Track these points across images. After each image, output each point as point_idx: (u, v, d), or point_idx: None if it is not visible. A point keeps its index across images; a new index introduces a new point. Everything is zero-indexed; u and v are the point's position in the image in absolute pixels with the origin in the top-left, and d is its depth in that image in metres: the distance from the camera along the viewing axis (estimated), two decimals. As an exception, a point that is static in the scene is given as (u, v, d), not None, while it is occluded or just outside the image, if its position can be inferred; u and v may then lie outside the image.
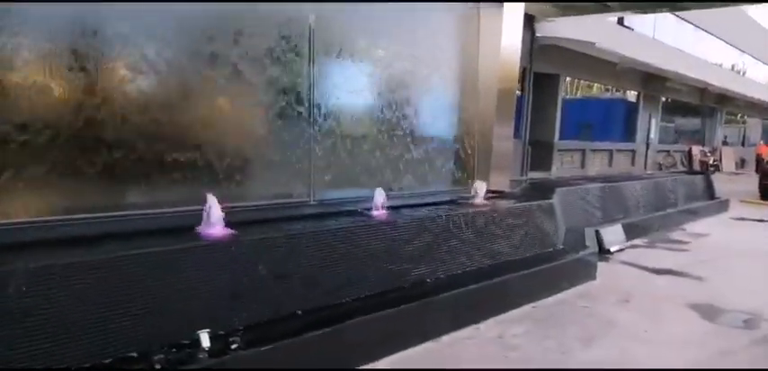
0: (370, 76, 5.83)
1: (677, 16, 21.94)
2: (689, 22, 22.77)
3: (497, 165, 7.08)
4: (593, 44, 15.86)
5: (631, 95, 23.69)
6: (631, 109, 23.40)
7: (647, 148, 23.39)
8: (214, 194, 4.15)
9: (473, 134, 7.00)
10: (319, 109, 5.33)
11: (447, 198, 6.33)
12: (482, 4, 7.06)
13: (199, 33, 4.44)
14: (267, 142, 4.99)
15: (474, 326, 4.92)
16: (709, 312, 5.73)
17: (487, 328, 4.94)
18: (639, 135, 23.18)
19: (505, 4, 7.05)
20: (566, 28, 15.31)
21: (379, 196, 5.26)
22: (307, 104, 5.23)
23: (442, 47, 6.67)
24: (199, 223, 4.04)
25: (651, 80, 22.35)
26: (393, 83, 6.08)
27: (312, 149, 5.34)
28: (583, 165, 19.26)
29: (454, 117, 6.87)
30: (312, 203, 5.40)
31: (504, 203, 6.31)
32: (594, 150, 20.11)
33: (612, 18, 18.12)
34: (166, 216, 4.26)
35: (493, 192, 6.69)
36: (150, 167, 4.22)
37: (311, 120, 5.29)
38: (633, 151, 22.75)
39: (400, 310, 4.34)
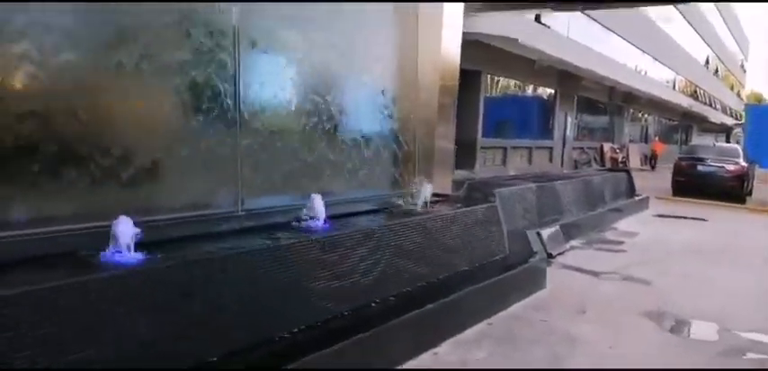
0: (301, 73, 5.11)
1: (587, 15, 22.45)
2: (597, 21, 23.43)
3: (440, 166, 6.56)
4: (516, 40, 15.84)
5: (543, 94, 24.12)
6: (547, 107, 23.85)
7: (564, 145, 23.91)
8: (122, 207, 3.36)
9: (414, 134, 6.42)
10: (246, 107, 4.58)
11: (389, 204, 5.72)
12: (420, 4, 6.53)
13: (102, 19, 3.58)
14: (187, 145, 4.18)
15: (432, 351, 4.34)
16: (666, 321, 5.45)
17: (447, 352, 4.37)
18: (556, 132, 23.65)
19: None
20: (487, 23, 15.14)
21: (318, 204, 4.56)
22: (232, 102, 4.46)
23: (379, 43, 6.05)
24: (104, 244, 3.22)
25: (567, 78, 22.85)
26: (327, 81, 5.38)
27: (239, 152, 4.58)
28: (504, 162, 19.34)
29: (393, 116, 6.25)
30: (240, 213, 4.63)
31: (450, 209, 5.77)
32: (515, 148, 20.27)
33: (530, 15, 18.19)
34: (62, 236, 3.38)
35: (437, 195, 6.14)
36: (42, 175, 3.34)
37: (237, 119, 4.53)
38: (551, 149, 23.19)
39: (352, 341, 3.68)
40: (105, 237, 3.24)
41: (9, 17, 3.12)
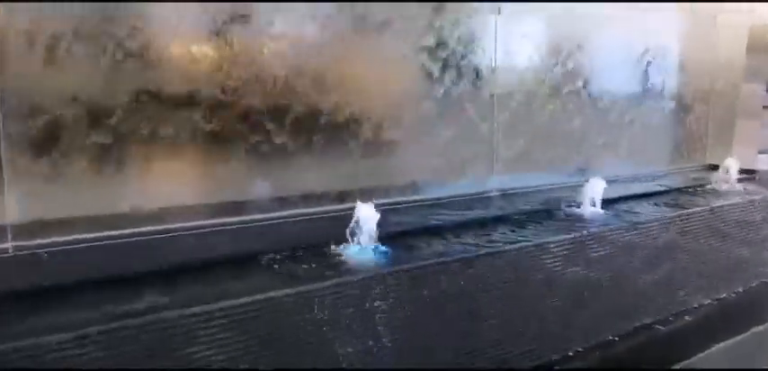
0: (565, 36, 4.19)
1: None
2: None
3: (743, 134, 5.15)
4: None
5: None
6: None
7: None
8: (357, 189, 2.97)
9: (709, 97, 5.09)
10: (503, 72, 3.83)
11: (678, 183, 4.54)
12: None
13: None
14: (439, 114, 3.59)
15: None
16: None
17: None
18: None
19: None
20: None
21: (597, 189, 3.62)
22: (489, 66, 3.76)
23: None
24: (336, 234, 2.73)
25: None
26: (593, 42, 4.37)
27: (494, 123, 3.87)
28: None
29: (678, 71, 5.00)
30: (494, 194, 3.94)
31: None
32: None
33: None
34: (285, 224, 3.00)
35: (743, 171, 4.78)
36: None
37: (494, 85, 3.82)
38: None
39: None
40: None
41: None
